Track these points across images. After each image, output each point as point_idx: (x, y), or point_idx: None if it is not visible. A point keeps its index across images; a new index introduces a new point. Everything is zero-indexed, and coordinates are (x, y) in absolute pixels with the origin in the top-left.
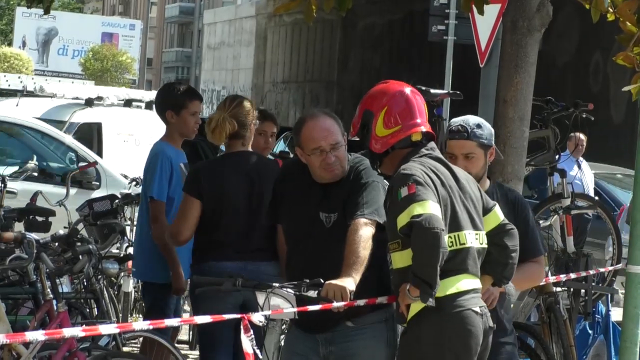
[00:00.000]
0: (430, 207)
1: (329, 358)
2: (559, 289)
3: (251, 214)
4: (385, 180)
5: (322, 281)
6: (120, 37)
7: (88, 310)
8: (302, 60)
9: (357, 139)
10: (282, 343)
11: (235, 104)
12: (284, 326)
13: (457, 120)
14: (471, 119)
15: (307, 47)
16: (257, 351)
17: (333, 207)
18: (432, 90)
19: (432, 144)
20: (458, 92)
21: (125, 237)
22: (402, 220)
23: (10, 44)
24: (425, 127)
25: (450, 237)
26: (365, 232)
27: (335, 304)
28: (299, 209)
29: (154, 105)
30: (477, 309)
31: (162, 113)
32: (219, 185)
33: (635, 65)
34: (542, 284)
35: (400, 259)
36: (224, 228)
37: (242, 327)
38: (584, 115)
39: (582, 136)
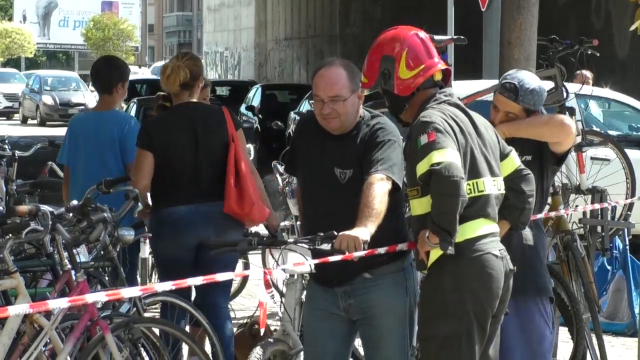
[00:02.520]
0: (449, 155)
1: (349, 310)
2: (575, 226)
3: (199, 160)
4: (400, 138)
5: (336, 233)
6: (120, 5)
7: (108, 278)
8: (303, 16)
9: (369, 90)
10: (303, 299)
11: (189, 56)
12: (304, 282)
13: (515, 77)
14: (529, 82)
15: (308, 2)
16: (276, 301)
17: (348, 163)
18: (436, 37)
19: (450, 90)
20: (462, 37)
21: (139, 203)
22: (422, 168)
23: (10, 19)
24: (442, 65)
25: (469, 184)
26: (380, 186)
27: (356, 254)
28: (314, 163)
29: (93, 78)
30: (497, 252)
31: (113, 84)
32: (166, 136)
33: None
34: (561, 214)
35: (419, 205)
36: (174, 175)
37: (263, 282)
38: (590, 52)
39: (588, 73)
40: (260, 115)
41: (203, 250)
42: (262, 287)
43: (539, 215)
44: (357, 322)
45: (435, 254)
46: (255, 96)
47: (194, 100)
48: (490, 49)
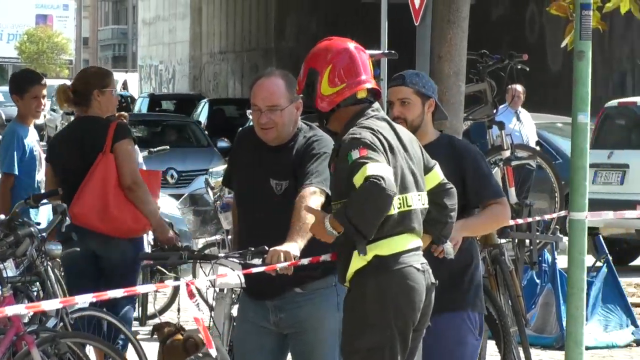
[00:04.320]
0: (385, 170)
1: (280, 325)
2: (503, 240)
3: (83, 173)
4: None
5: (267, 248)
6: (54, 18)
7: (35, 293)
8: (238, 29)
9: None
10: (234, 313)
11: (80, 74)
12: (234, 296)
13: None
14: (412, 70)
15: (243, 16)
16: (206, 316)
17: (284, 174)
18: (368, 51)
19: (377, 105)
20: (393, 52)
21: (68, 218)
22: (359, 180)
23: None
24: (370, 84)
25: (399, 199)
26: (313, 200)
27: (280, 265)
28: (250, 175)
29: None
30: (419, 266)
31: (12, 97)
32: (57, 148)
33: (569, 15)
34: (495, 229)
35: None
36: (64, 185)
37: (187, 293)
38: (519, 67)
39: (519, 87)
40: (206, 131)
41: (99, 257)
42: (190, 302)
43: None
44: (288, 337)
45: (356, 265)
46: (202, 111)
47: (91, 114)
48: (423, 63)
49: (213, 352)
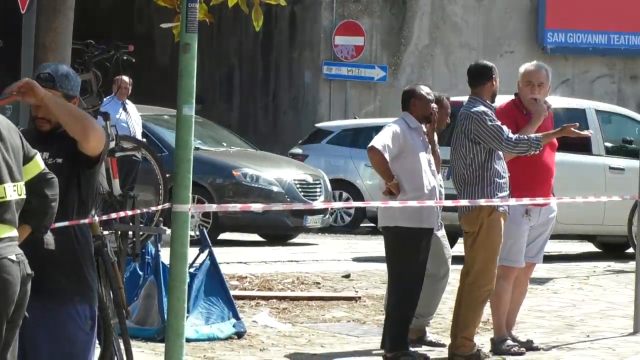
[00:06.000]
0: None
1: None
2: (106, 232)
3: None
4: None
5: None
6: None
7: None
8: None
9: None
10: None
11: None
12: None
13: (48, 67)
14: (61, 69)
15: None
16: None
17: None
18: None
19: None
20: None
21: None
22: None
23: None
24: None
25: None
26: None
27: None
28: None
29: None
30: (13, 257)
31: None
32: None
33: (176, 6)
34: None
35: None
36: None
37: None
38: (125, 57)
39: (125, 78)
40: None
41: None
42: None
43: (84, 220)
44: None
45: None
46: None
47: None
48: (29, 52)
49: None
